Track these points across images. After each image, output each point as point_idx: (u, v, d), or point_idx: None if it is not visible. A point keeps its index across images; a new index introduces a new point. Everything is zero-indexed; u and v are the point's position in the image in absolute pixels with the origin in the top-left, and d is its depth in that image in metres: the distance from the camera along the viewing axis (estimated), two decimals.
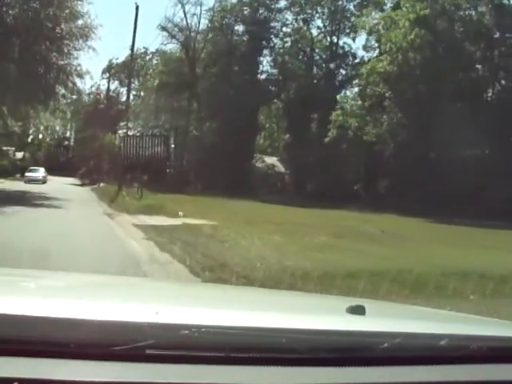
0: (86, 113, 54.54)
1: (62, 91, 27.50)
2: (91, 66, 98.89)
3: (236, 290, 3.21)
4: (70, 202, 21.95)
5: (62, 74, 25.71)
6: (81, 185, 45.13)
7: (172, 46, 43.97)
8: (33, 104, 28.63)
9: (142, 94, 48.50)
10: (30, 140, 63.79)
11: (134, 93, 54.45)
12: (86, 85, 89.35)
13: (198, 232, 11.61)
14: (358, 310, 1.51)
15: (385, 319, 1.67)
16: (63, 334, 1.17)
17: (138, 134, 33.34)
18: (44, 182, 41.55)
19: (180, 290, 2.45)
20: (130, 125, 35.93)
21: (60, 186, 37.25)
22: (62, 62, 25.44)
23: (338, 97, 39.92)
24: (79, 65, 26.55)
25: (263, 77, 43.39)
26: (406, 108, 30.62)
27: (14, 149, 54.05)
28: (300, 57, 43.11)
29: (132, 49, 25.56)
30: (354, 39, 42.22)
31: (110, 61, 50.93)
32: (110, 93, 53.89)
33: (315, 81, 42.22)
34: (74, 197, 25.77)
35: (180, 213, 16.15)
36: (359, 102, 35.23)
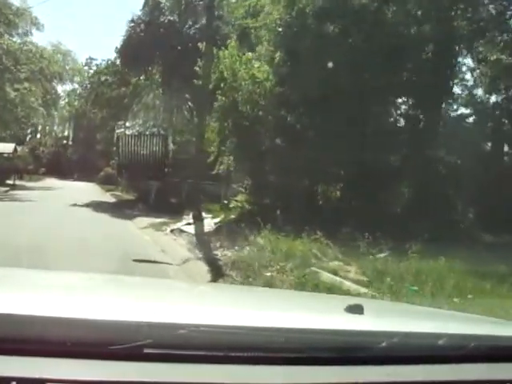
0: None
1: None
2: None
3: (234, 290, 3.22)
4: None
5: None
6: (113, 206, 21.42)
7: None
8: None
9: None
10: (29, 131, 47.92)
11: None
12: None
13: None
14: (356, 310, 1.51)
15: (383, 318, 1.67)
16: (61, 332, 1.17)
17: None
18: None
19: (178, 289, 2.45)
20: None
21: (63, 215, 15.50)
22: None
23: None
24: None
25: None
26: None
27: None
28: None
29: None
30: None
31: None
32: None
33: None
34: None
35: None
36: None
